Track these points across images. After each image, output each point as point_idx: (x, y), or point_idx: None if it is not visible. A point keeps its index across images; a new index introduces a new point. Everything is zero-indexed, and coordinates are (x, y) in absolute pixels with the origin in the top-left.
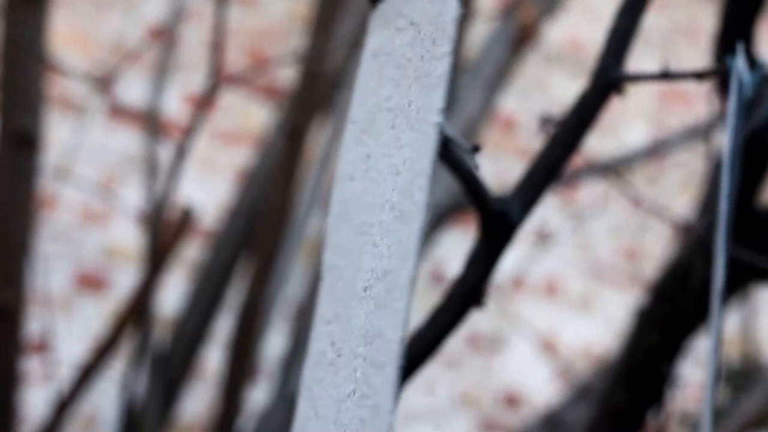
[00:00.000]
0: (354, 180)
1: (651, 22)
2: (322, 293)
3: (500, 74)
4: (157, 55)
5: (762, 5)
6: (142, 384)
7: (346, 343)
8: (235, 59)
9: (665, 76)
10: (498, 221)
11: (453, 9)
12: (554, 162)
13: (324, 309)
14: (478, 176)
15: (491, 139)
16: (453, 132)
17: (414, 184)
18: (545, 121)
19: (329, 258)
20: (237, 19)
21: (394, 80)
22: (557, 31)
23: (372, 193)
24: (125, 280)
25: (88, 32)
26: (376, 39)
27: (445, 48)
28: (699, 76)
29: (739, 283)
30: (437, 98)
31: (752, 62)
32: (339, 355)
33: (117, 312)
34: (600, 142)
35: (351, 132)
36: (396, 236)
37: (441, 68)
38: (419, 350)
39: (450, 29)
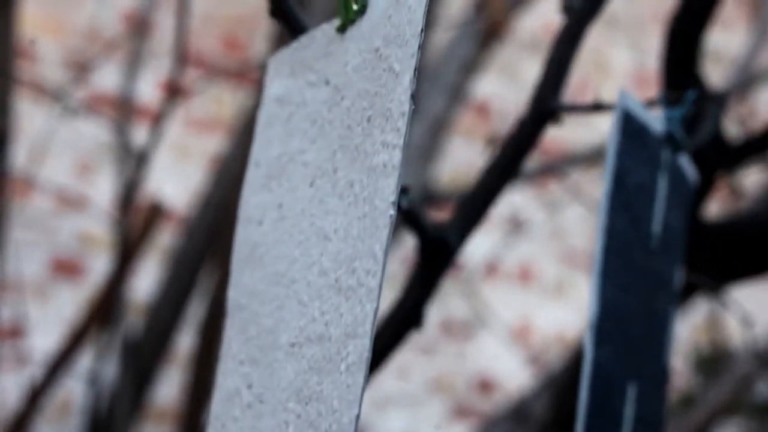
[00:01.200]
0: (263, 225)
1: (621, 8)
2: (230, 329)
3: (467, 72)
4: (131, 42)
5: (704, 32)
6: (114, 371)
7: (270, 392)
8: (209, 46)
9: (598, 107)
10: (437, 248)
11: (404, 103)
12: (492, 189)
13: (236, 347)
14: (415, 208)
15: (464, 124)
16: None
17: (359, 263)
18: (490, 142)
19: (235, 297)
20: (212, 5)
21: (307, 134)
22: (530, 18)
23: (288, 245)
24: (100, 267)
25: (63, 19)
26: (280, 85)
27: (395, 140)
28: None
29: (682, 297)
30: (389, 189)
31: (698, 87)
32: (261, 401)
33: (91, 299)
34: (574, 131)
35: (255, 175)
36: (333, 306)
37: (390, 159)
38: None
39: (401, 123)
